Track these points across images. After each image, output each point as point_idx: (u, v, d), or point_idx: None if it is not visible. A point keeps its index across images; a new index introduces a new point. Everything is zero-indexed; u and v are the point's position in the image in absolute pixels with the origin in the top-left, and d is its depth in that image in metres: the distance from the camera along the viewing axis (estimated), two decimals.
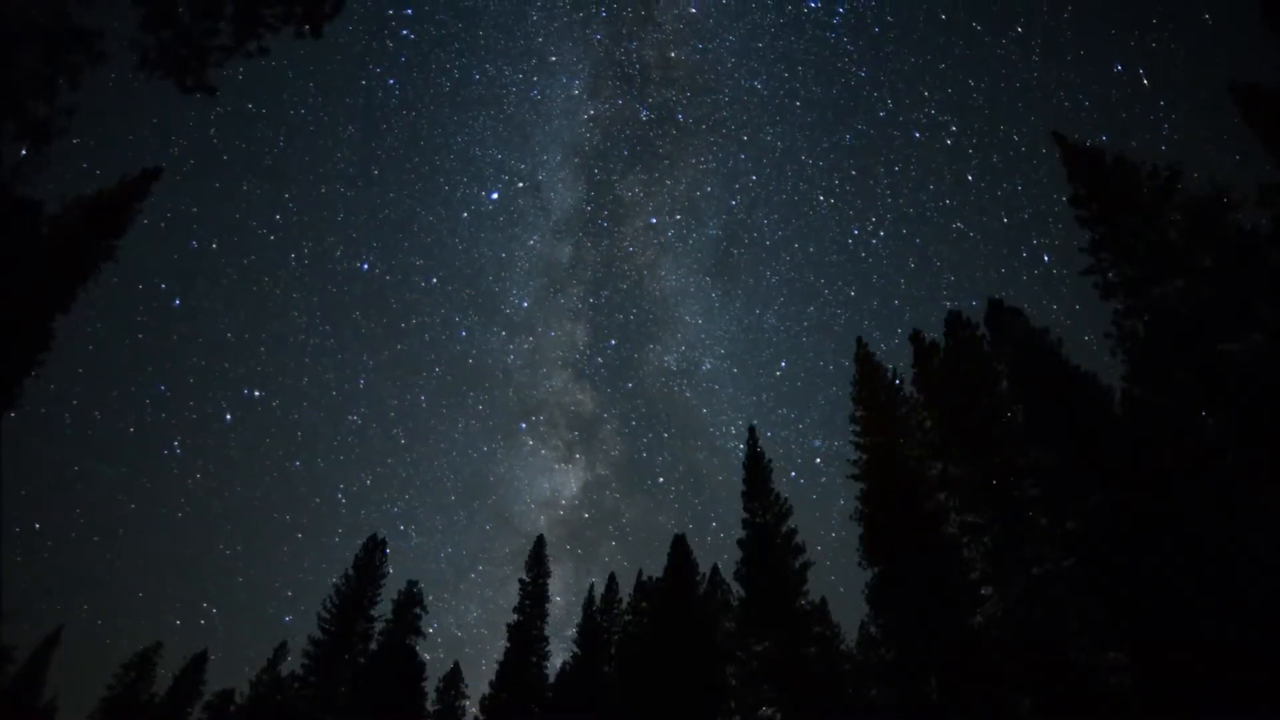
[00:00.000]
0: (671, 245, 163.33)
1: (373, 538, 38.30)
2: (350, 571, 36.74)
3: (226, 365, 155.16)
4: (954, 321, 23.92)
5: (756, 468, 28.52)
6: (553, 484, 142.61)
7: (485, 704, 33.36)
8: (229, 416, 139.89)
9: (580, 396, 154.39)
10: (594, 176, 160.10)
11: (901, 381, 25.30)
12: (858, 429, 24.83)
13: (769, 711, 23.87)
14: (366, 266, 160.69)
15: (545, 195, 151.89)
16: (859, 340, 27.02)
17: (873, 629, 22.08)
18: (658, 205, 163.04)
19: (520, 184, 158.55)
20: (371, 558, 37.42)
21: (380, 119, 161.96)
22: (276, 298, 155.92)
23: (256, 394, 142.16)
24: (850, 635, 52.17)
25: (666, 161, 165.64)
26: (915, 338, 24.89)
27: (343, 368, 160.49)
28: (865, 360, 26.40)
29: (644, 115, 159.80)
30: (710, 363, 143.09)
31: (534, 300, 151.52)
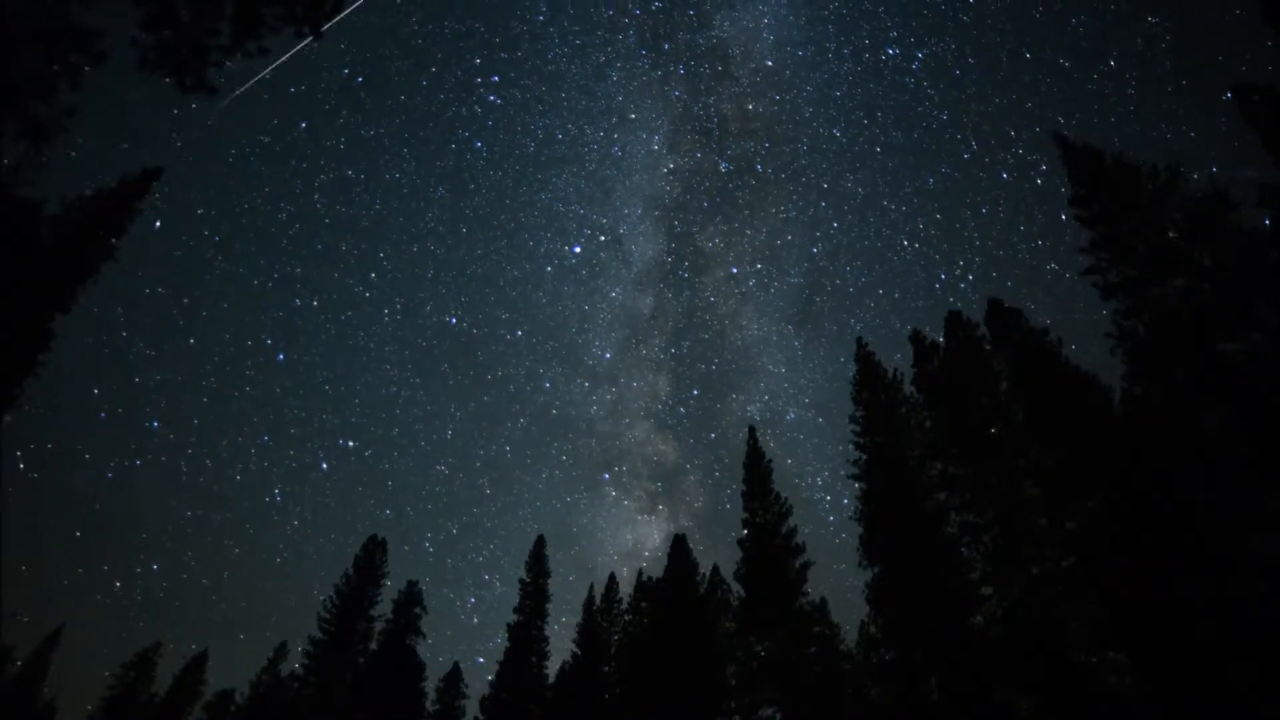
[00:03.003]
0: (753, 294, 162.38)
1: (372, 538, 38.34)
2: (350, 572, 36.75)
3: (324, 416, 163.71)
4: (954, 321, 23.92)
5: (756, 468, 28.51)
6: (636, 535, 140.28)
7: (485, 704, 33.36)
8: (324, 465, 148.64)
9: (663, 447, 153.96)
10: (674, 228, 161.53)
11: (902, 381, 25.32)
12: (858, 429, 24.84)
13: (769, 711, 23.86)
14: (454, 321, 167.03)
15: (627, 248, 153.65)
16: (859, 340, 27.04)
17: (873, 629, 22.08)
18: (738, 255, 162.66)
19: (602, 238, 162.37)
20: (371, 558, 37.44)
21: (468, 179, 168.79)
22: (370, 351, 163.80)
23: (350, 444, 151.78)
24: (850, 635, 52.19)
25: (746, 212, 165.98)
26: (915, 338, 24.90)
27: (431, 419, 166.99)
28: (865, 360, 26.40)
29: (723, 167, 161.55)
30: (794, 412, 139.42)
31: (616, 351, 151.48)
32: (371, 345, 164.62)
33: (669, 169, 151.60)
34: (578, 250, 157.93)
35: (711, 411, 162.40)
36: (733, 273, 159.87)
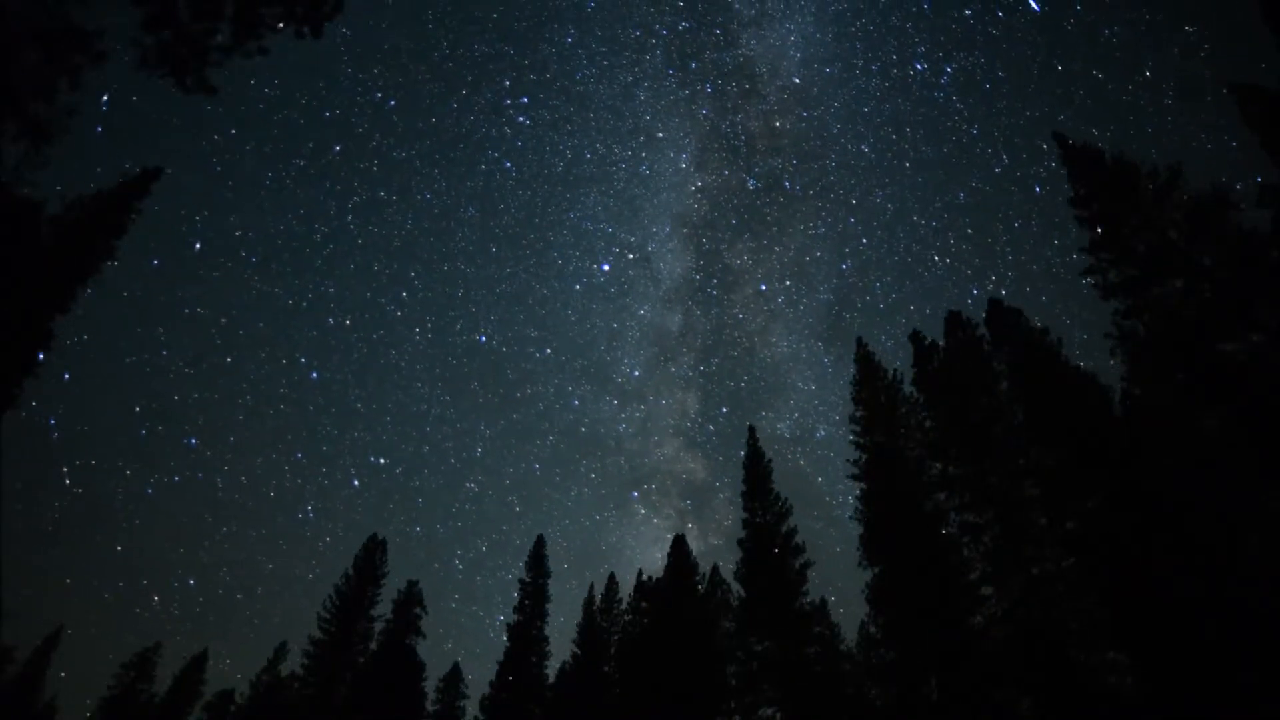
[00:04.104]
0: (782, 311, 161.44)
1: (372, 538, 38.34)
2: (350, 572, 36.74)
3: (356, 434, 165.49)
4: (954, 321, 23.92)
5: (756, 468, 28.51)
6: (665, 553, 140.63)
7: (485, 704, 33.35)
8: (356, 482, 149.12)
9: (692, 465, 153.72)
10: (703, 246, 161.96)
11: (901, 381, 25.32)
12: (858, 429, 24.84)
13: (769, 711, 23.86)
14: (484, 339, 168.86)
15: (655, 266, 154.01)
16: (859, 340, 27.06)
17: (873, 629, 22.09)
18: (767, 272, 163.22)
19: (630, 255, 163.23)
20: (371, 558, 37.44)
21: (498, 199, 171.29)
22: (401, 370, 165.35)
23: (381, 461, 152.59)
24: (850, 635, 52.18)
25: (774, 228, 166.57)
26: (915, 338, 24.89)
27: (461, 436, 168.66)
28: (865, 360, 26.41)
29: (751, 184, 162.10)
30: (824, 430, 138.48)
31: (645, 369, 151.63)
32: (403, 363, 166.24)
33: (697, 187, 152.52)
34: (606, 268, 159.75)
35: (741, 429, 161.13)
36: (761, 289, 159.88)
